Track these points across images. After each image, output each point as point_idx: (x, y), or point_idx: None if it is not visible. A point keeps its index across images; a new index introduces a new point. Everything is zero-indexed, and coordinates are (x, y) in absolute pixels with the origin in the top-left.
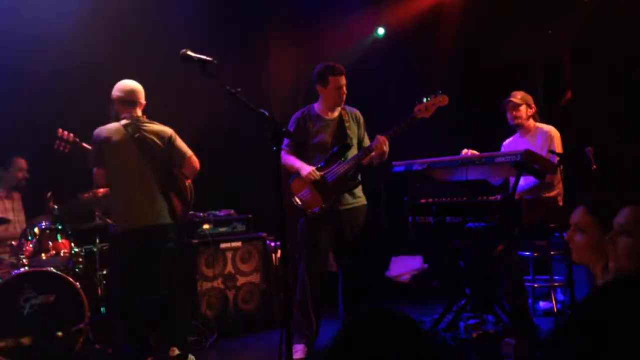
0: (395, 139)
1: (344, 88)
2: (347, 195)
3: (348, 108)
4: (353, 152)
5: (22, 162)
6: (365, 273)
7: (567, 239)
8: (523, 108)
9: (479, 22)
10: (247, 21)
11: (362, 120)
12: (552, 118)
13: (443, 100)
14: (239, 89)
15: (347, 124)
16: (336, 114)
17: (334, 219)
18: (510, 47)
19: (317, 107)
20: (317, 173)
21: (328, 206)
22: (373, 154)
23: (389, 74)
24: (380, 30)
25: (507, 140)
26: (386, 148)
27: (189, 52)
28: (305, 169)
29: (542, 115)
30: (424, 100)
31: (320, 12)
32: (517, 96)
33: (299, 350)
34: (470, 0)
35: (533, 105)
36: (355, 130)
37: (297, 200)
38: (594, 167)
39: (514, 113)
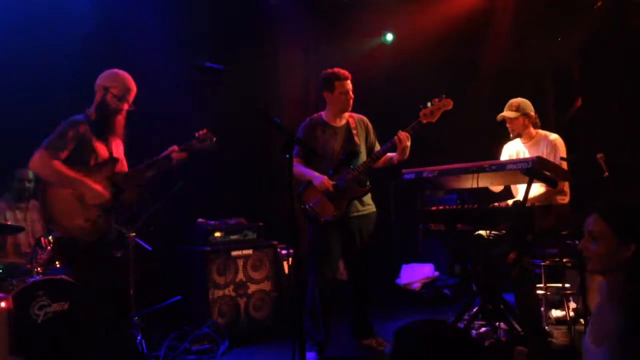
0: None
1: (351, 93)
2: (356, 203)
3: (356, 115)
4: (361, 159)
5: (28, 173)
6: (372, 280)
7: (581, 247)
8: (520, 120)
9: (489, 30)
10: (257, 28)
11: (370, 126)
12: (562, 125)
13: (448, 104)
14: (250, 96)
15: (354, 131)
16: (344, 121)
17: (343, 227)
18: (520, 54)
19: (324, 114)
20: (330, 182)
21: (340, 213)
22: (394, 154)
23: (398, 81)
24: (389, 36)
25: (508, 145)
26: (408, 143)
27: (201, 61)
28: (318, 178)
29: (552, 123)
30: (428, 104)
31: (330, 18)
32: (513, 107)
33: (310, 358)
34: (479, 8)
35: (532, 113)
36: (363, 137)
37: (309, 208)
38: (606, 173)
39: (512, 126)
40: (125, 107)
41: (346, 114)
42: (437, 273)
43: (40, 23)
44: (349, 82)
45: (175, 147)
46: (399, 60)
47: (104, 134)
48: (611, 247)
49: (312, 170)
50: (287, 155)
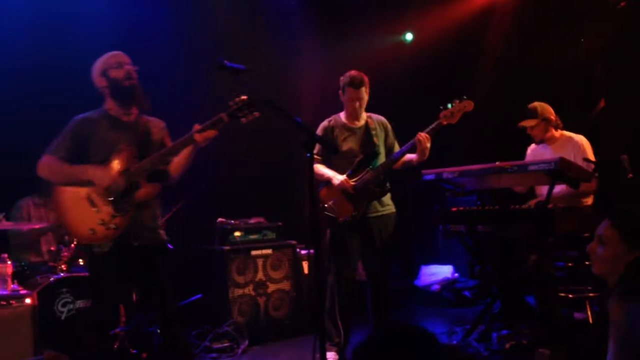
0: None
1: (359, 102)
2: (376, 203)
3: (375, 116)
4: (381, 160)
5: None
6: (390, 281)
7: (589, 250)
8: (540, 126)
9: (510, 30)
10: (277, 26)
11: (389, 127)
12: (585, 126)
13: (468, 105)
14: (272, 99)
15: (373, 132)
16: (362, 122)
17: (362, 227)
18: (541, 54)
19: (343, 115)
20: (350, 182)
21: (359, 214)
22: (413, 155)
23: (418, 81)
24: (409, 36)
25: (532, 147)
26: (429, 144)
27: (223, 61)
28: (337, 178)
29: (574, 124)
30: (449, 105)
31: (351, 17)
32: (532, 113)
33: (329, 358)
34: (501, 8)
35: (552, 116)
36: (382, 138)
37: (327, 208)
38: (630, 175)
39: (533, 133)
40: (130, 69)
41: (364, 115)
42: (457, 275)
43: (59, 27)
44: (362, 90)
45: (196, 126)
46: (418, 60)
47: (124, 121)
48: (617, 252)
49: (332, 170)
50: (308, 155)
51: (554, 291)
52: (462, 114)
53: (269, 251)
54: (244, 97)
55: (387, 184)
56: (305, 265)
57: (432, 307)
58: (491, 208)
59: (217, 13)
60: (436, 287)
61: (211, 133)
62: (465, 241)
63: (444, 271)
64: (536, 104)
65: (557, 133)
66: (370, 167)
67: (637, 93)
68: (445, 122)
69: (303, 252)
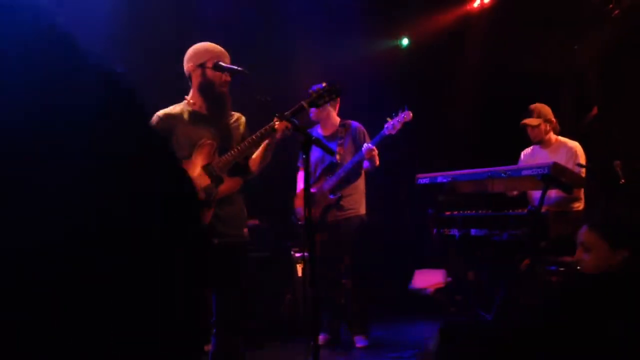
0: (424, 151)
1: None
2: (334, 209)
3: (347, 123)
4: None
5: None
6: (384, 285)
7: (575, 259)
8: (542, 126)
9: (505, 36)
10: (274, 32)
11: (358, 131)
12: (579, 132)
13: (407, 116)
14: (269, 98)
15: (339, 142)
16: (332, 130)
17: (327, 231)
18: (536, 61)
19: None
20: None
21: (315, 220)
22: (367, 164)
23: (413, 87)
24: (405, 41)
25: (526, 151)
26: (374, 153)
27: (221, 63)
28: (298, 189)
29: (569, 130)
30: (393, 116)
31: (345, 18)
32: (534, 114)
33: (320, 338)
34: (496, 13)
35: (552, 119)
36: (348, 147)
37: (297, 213)
38: (622, 181)
39: (534, 133)
40: (228, 78)
41: (335, 122)
42: (449, 278)
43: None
44: None
45: (276, 118)
46: (415, 63)
47: (212, 117)
48: (603, 255)
49: (300, 182)
50: (304, 156)
51: (545, 295)
52: (403, 124)
53: (264, 254)
54: (324, 83)
55: (348, 188)
56: (299, 268)
57: (424, 311)
58: (484, 212)
59: (217, 18)
60: (429, 290)
61: (288, 124)
62: (458, 245)
63: (437, 275)
64: (538, 105)
65: (554, 137)
66: (328, 176)
67: (629, 100)
68: (387, 134)
69: (297, 255)
